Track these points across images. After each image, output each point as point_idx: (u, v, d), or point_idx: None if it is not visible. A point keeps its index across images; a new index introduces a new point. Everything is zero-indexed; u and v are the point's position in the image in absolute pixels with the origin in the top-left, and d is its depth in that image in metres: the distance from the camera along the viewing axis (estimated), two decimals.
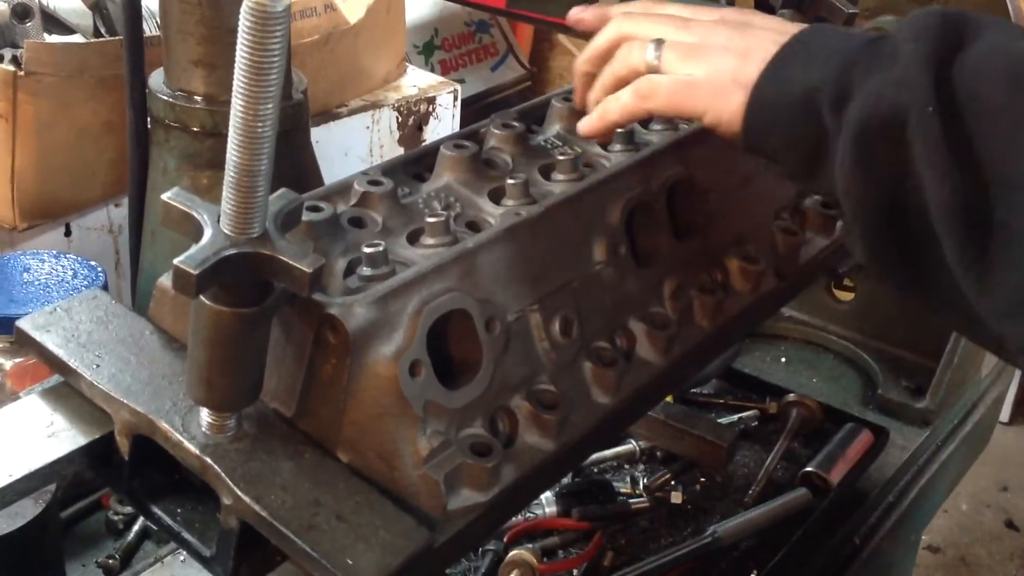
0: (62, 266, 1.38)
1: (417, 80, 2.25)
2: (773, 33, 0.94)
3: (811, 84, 0.88)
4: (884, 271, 0.89)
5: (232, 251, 0.77)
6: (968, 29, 0.84)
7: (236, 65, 0.74)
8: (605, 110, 1.01)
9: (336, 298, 0.87)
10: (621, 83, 1.01)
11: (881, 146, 0.82)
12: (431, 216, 0.99)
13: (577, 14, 1.10)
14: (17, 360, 1.28)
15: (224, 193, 0.77)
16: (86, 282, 1.36)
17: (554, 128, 1.21)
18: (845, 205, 0.87)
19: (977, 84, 0.80)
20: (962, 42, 0.83)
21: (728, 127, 0.94)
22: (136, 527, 1.34)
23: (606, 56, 1.03)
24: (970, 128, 0.79)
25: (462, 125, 2.28)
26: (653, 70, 0.98)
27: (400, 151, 2.20)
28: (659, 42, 0.98)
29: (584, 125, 1.05)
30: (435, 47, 3.28)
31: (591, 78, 1.06)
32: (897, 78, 0.82)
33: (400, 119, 2.17)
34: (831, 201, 0.90)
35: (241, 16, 0.72)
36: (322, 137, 1.96)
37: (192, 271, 0.75)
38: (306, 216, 0.93)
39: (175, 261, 0.75)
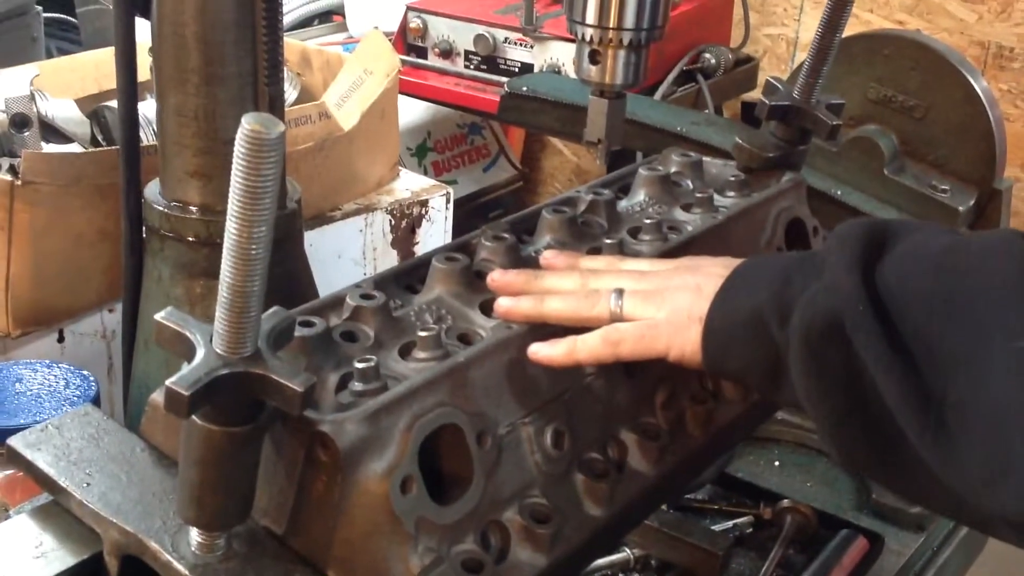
0: (54, 376, 1.38)
1: (410, 183, 2.27)
2: (720, 268, 1.02)
3: (756, 306, 0.94)
4: (860, 467, 0.95)
5: (224, 371, 0.77)
6: (890, 234, 0.91)
7: (231, 188, 0.75)
8: (574, 348, 1.02)
9: (327, 415, 0.87)
10: (581, 323, 1.04)
11: (827, 350, 0.87)
12: (423, 330, 1.00)
13: (501, 278, 1.09)
14: (7, 472, 1.27)
15: (217, 313, 0.78)
16: (78, 392, 1.36)
17: (544, 239, 1.22)
18: (809, 411, 0.91)
19: (903, 278, 0.86)
20: (885, 245, 0.89)
21: (692, 359, 1.00)
22: None
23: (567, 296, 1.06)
24: (903, 318, 0.84)
25: (455, 226, 2.30)
26: (616, 317, 1.03)
27: (393, 254, 2.21)
28: (620, 292, 1.04)
29: (545, 354, 1.02)
30: (428, 149, 3.33)
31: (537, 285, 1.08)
32: (827, 285, 0.88)
33: (393, 222, 2.19)
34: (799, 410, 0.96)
35: (236, 142, 0.74)
36: (315, 240, 1.98)
37: (184, 392, 0.75)
38: (298, 331, 0.94)
39: (167, 382, 0.75)
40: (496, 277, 1.09)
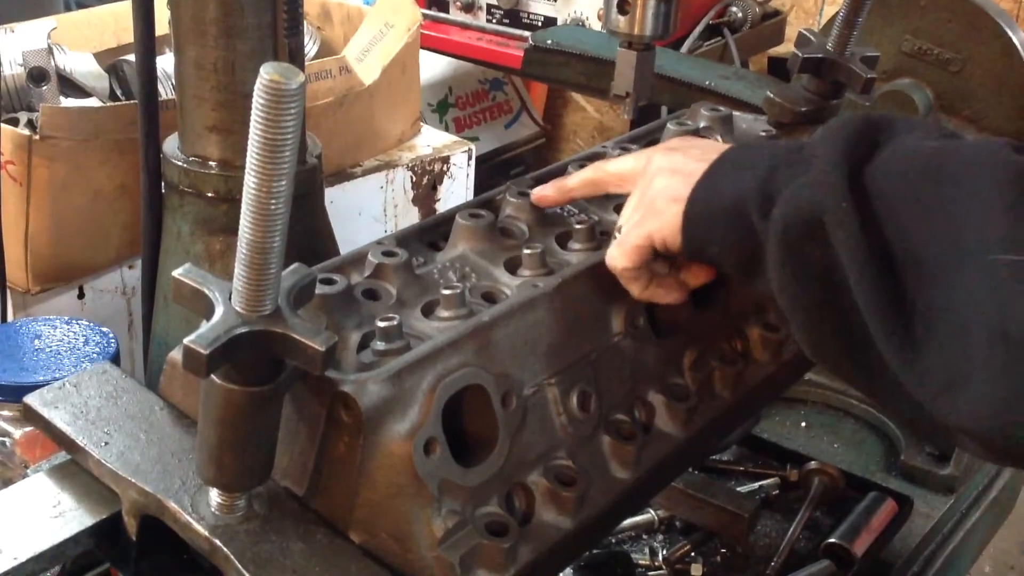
0: (73, 333, 1.37)
1: (431, 139, 2.25)
2: (705, 152, 1.02)
3: (739, 193, 0.94)
4: (828, 363, 0.93)
5: (244, 329, 0.75)
6: (883, 132, 0.90)
7: (250, 141, 0.73)
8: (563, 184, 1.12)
9: (350, 375, 0.85)
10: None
11: (805, 244, 0.87)
12: (446, 288, 0.97)
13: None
14: (27, 429, 1.26)
15: (236, 270, 0.76)
16: (97, 349, 1.35)
17: None
18: (781, 303, 0.91)
19: (888, 179, 0.85)
20: (877, 144, 0.88)
21: (672, 240, 1.00)
22: None
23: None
24: (884, 219, 0.83)
25: (476, 182, 2.27)
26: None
27: (414, 210, 2.18)
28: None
29: (538, 193, 1.13)
30: (449, 105, 3.29)
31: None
32: (813, 179, 0.87)
33: (414, 178, 2.17)
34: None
35: (255, 93, 0.71)
36: (336, 197, 1.96)
37: (203, 351, 0.73)
38: (319, 289, 0.92)
39: (185, 340, 0.73)
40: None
